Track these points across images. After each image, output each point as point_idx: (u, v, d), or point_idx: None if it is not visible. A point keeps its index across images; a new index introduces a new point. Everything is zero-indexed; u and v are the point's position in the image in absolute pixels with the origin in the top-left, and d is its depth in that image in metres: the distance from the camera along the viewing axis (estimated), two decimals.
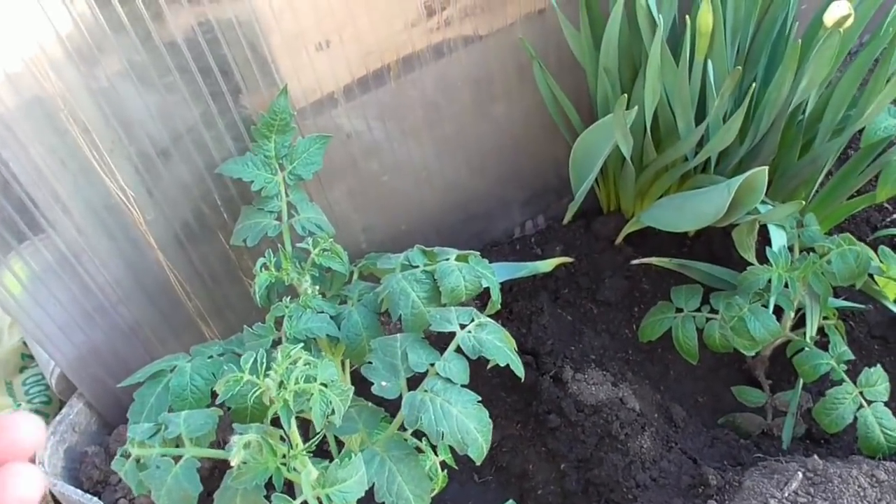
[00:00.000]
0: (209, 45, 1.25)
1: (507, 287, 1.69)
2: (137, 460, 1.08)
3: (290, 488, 1.08)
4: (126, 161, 1.29)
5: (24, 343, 1.73)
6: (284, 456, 1.03)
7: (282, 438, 1.06)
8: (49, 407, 1.63)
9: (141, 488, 1.07)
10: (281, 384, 1.00)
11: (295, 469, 1.03)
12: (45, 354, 1.49)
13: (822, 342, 1.53)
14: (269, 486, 1.03)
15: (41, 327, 1.38)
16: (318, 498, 1.00)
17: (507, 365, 1.15)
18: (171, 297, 1.48)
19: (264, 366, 1.02)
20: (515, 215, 1.86)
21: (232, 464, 0.99)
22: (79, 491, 1.37)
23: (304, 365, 1.02)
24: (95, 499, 1.36)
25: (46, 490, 1.47)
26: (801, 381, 1.51)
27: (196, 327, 1.55)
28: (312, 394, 1.00)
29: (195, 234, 1.43)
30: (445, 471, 1.27)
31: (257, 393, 1.01)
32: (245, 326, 1.27)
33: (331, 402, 1.01)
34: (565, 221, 1.84)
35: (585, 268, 1.76)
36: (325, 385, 1.01)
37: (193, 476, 1.05)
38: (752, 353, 1.53)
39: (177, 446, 1.09)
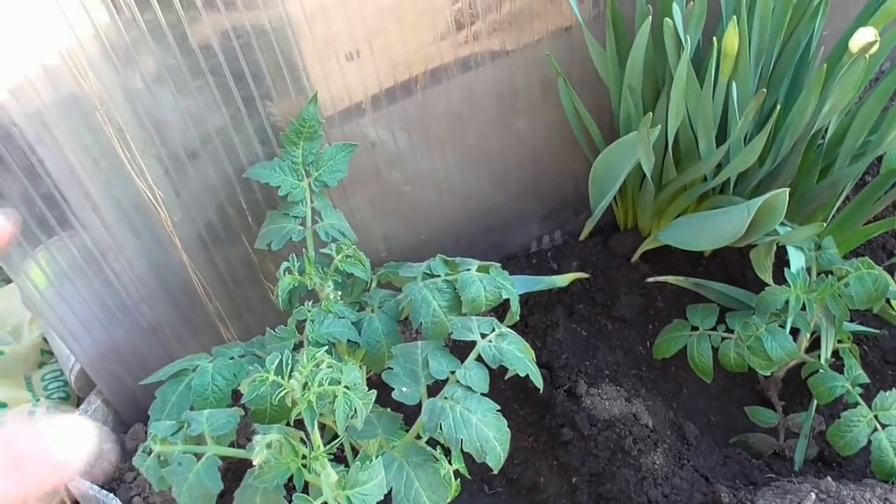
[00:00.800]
0: (243, 49, 1.27)
1: (522, 300, 1.69)
2: (159, 457, 1.10)
3: (305, 490, 1.09)
4: (156, 162, 1.31)
5: (44, 339, 1.74)
6: (304, 457, 1.05)
7: (301, 440, 1.07)
8: (67, 403, 1.65)
9: (162, 484, 1.08)
10: (305, 385, 1.01)
11: (314, 471, 1.04)
12: (65, 350, 1.50)
13: (836, 365, 1.54)
14: (289, 486, 1.05)
15: (64, 322, 1.39)
16: (338, 500, 1.01)
17: (523, 377, 1.17)
18: (192, 298, 1.50)
19: (289, 367, 1.03)
20: (533, 229, 1.87)
21: (254, 462, 1.00)
22: (95, 486, 1.38)
23: (328, 368, 1.03)
24: (111, 495, 1.37)
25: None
26: (815, 403, 1.52)
27: (215, 328, 1.56)
28: (336, 396, 1.01)
29: (219, 235, 1.45)
30: (458, 480, 1.28)
31: (280, 394, 1.02)
32: (267, 329, 1.29)
33: (353, 405, 1.02)
34: (582, 237, 1.85)
35: (601, 284, 1.78)
36: (349, 388, 1.03)
37: (215, 474, 1.06)
38: (767, 374, 1.54)
39: (198, 444, 1.11)
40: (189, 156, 1.33)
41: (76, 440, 0.48)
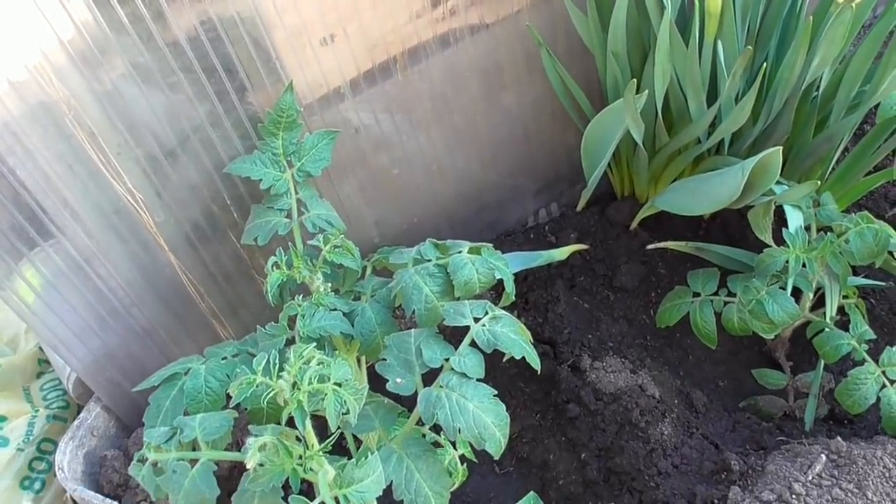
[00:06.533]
0: (212, 43, 1.24)
1: (522, 276, 1.68)
2: (154, 465, 1.08)
3: (310, 488, 1.07)
4: (133, 164, 1.29)
5: (41, 349, 1.73)
6: (301, 457, 1.03)
7: (298, 438, 1.06)
8: (67, 412, 1.64)
9: (159, 493, 1.07)
10: (294, 385, 0.99)
11: (312, 469, 1.03)
12: (61, 360, 1.49)
13: (843, 321, 1.51)
14: (287, 486, 1.03)
15: (56, 333, 1.37)
16: (336, 498, 0.99)
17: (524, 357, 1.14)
18: (184, 298, 1.48)
19: (277, 366, 1.01)
20: (528, 204, 1.84)
21: (248, 466, 0.98)
22: (98, 496, 1.37)
23: (318, 364, 1.01)
24: (116, 503, 1.36)
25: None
26: (823, 362, 1.49)
27: (210, 327, 1.55)
28: (326, 394, 0.99)
29: (206, 234, 1.43)
30: (465, 464, 1.26)
31: (271, 394, 1.00)
32: (258, 326, 1.27)
33: (345, 402, 1.00)
34: (579, 208, 1.83)
35: (601, 254, 1.75)
36: (339, 384, 1.01)
37: (210, 479, 1.05)
38: (771, 337, 1.51)
39: (193, 449, 1.09)
40: (167, 155, 1.31)
41: None
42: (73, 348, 1.41)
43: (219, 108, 1.31)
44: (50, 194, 1.24)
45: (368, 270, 1.42)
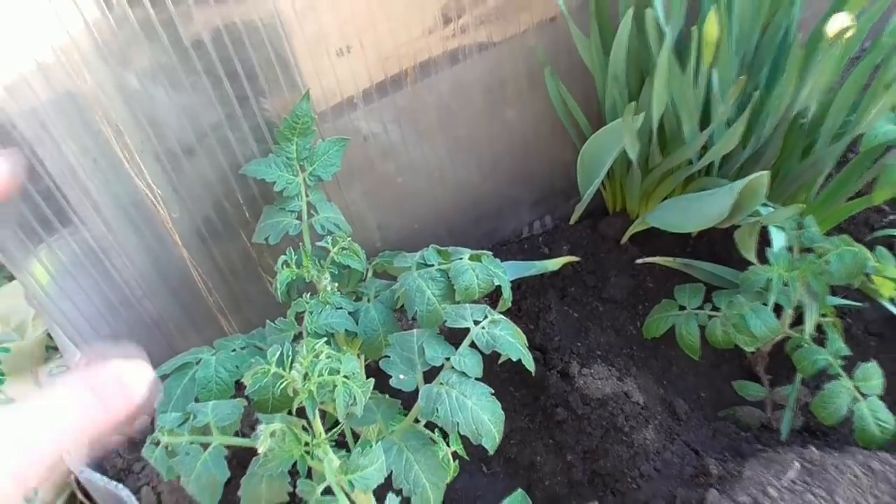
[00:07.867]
0: (235, 47, 1.29)
1: (515, 285, 1.73)
2: (167, 448, 1.13)
3: (309, 476, 1.13)
4: (154, 160, 1.34)
5: (49, 335, 1.76)
6: (307, 444, 1.08)
7: (304, 428, 1.11)
8: None
9: (171, 474, 1.11)
10: (306, 376, 1.05)
11: (317, 457, 1.08)
12: (69, 346, 1.53)
13: (821, 339, 1.57)
14: (294, 472, 1.08)
15: (67, 318, 1.42)
16: (341, 484, 1.05)
17: (517, 361, 1.20)
18: (193, 292, 1.53)
19: (289, 358, 1.06)
20: (524, 215, 1.90)
21: (259, 451, 1.03)
22: (105, 478, 1.41)
23: (328, 358, 1.06)
24: (121, 485, 1.40)
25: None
26: (800, 377, 1.56)
27: (216, 321, 1.60)
28: (336, 385, 1.05)
29: (218, 231, 1.48)
30: (456, 461, 1.32)
31: (282, 385, 1.06)
32: (267, 321, 1.32)
33: (353, 394, 1.06)
34: (572, 221, 1.89)
35: (592, 267, 1.81)
36: (348, 377, 1.06)
37: (222, 463, 1.09)
38: (753, 350, 1.57)
39: (204, 435, 1.14)
40: (186, 153, 1.36)
41: (139, 375, 0.58)
42: (84, 334, 1.46)
43: (238, 111, 1.36)
44: (74, 185, 1.29)
45: (370, 273, 1.47)
